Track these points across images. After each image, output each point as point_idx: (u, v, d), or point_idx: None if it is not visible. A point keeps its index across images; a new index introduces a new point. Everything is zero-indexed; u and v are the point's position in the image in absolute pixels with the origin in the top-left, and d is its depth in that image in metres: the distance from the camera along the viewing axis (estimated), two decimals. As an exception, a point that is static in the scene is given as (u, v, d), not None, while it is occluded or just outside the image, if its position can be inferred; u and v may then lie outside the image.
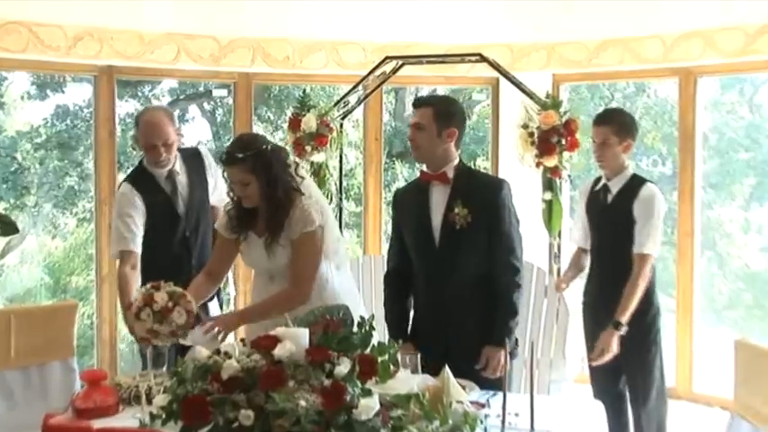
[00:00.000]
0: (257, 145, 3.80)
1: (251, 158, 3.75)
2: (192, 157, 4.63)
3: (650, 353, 4.69)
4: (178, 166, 4.54)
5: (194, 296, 3.72)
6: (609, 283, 4.68)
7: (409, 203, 4.06)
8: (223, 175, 3.92)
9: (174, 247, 4.49)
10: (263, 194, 3.81)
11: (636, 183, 4.70)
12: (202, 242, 4.59)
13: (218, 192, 4.58)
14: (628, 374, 4.75)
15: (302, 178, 3.91)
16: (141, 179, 4.49)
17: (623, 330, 4.57)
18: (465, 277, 3.91)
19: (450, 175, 3.93)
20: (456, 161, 3.95)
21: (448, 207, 3.90)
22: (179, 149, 4.57)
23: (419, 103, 4.01)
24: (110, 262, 6.17)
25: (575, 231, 5.03)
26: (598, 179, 4.85)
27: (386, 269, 4.19)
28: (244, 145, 3.80)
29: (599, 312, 4.70)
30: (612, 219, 4.71)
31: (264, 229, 3.89)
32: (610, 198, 4.74)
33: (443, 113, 3.91)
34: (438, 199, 3.94)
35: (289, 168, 3.87)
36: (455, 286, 3.92)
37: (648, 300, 4.64)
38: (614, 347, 4.57)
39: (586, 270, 4.99)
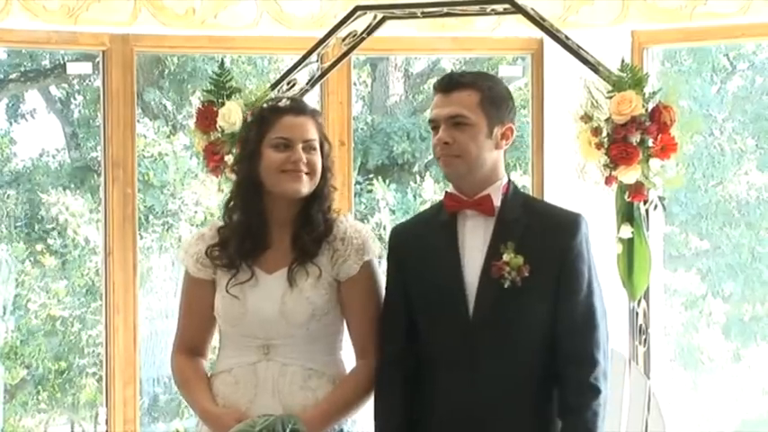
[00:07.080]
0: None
1: (319, 120, 3.53)
2: None
3: None
4: None
5: (204, 386, 3.44)
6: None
7: (422, 248, 3.57)
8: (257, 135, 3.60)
9: None
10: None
11: None
12: None
13: None
14: None
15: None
16: None
17: None
18: (515, 371, 3.38)
19: (497, 200, 3.47)
20: (505, 180, 3.55)
21: (490, 252, 3.38)
22: None
23: (455, 83, 3.51)
24: None
25: None
26: None
27: (381, 356, 3.65)
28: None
29: None
30: None
31: (293, 248, 3.46)
32: None
33: (495, 100, 3.44)
34: (475, 240, 3.45)
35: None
36: (496, 385, 3.35)
37: None
38: None
39: None
